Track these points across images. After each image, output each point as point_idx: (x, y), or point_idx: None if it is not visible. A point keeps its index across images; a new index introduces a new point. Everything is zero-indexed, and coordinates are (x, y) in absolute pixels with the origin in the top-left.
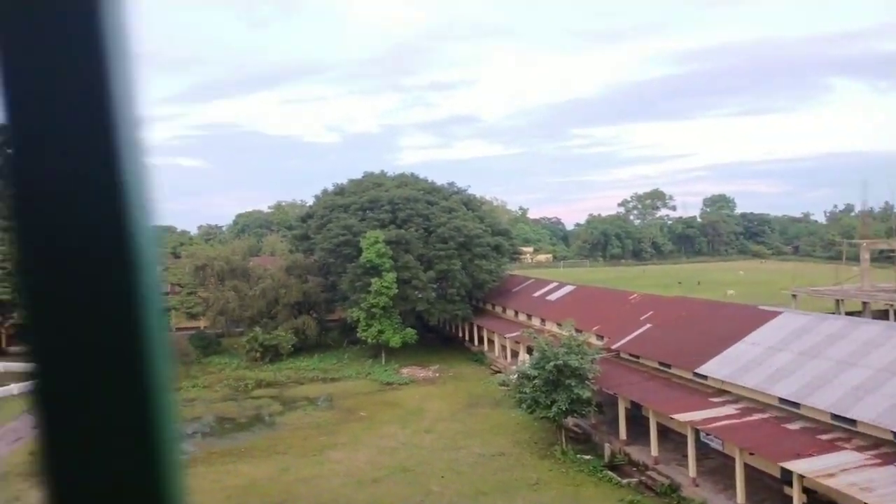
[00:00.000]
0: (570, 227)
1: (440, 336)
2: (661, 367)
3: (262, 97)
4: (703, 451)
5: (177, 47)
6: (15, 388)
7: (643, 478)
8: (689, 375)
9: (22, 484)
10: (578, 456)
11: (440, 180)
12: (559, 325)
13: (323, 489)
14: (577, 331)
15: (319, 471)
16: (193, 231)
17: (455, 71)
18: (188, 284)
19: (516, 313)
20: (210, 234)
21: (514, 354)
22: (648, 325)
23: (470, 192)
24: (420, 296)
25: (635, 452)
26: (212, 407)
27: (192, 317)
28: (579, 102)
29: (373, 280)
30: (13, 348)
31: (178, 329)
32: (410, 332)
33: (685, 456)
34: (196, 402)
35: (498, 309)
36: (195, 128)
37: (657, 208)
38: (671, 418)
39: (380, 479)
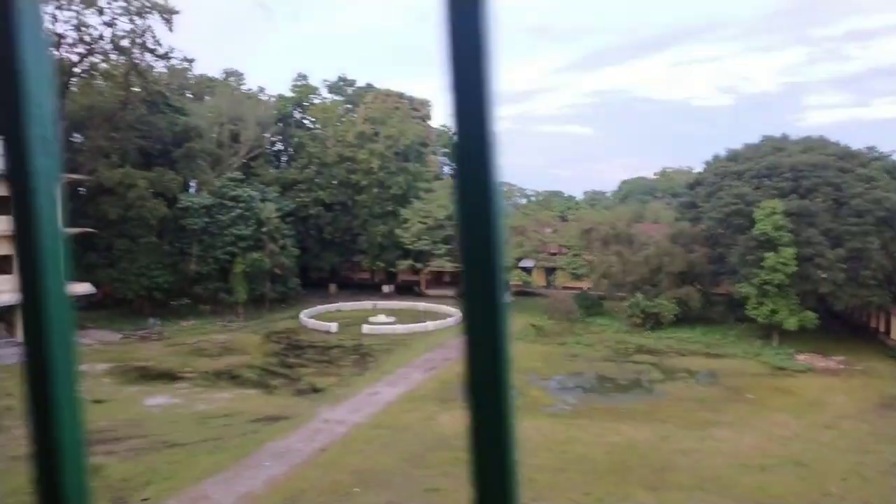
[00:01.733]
0: None
1: (847, 324)
2: None
3: (651, 62)
4: None
5: (569, 19)
6: (431, 325)
7: None
8: None
9: (434, 406)
10: None
11: (856, 144)
12: None
13: (704, 465)
14: None
15: (700, 446)
16: (579, 196)
17: (879, 16)
18: (574, 247)
19: None
20: (595, 199)
21: None
22: None
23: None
24: (824, 276)
25: None
26: (593, 365)
27: (577, 278)
28: None
29: (767, 255)
30: (431, 291)
31: (565, 288)
32: (810, 316)
33: None
34: (578, 359)
35: None
36: (586, 95)
37: None
38: None
39: (768, 468)
